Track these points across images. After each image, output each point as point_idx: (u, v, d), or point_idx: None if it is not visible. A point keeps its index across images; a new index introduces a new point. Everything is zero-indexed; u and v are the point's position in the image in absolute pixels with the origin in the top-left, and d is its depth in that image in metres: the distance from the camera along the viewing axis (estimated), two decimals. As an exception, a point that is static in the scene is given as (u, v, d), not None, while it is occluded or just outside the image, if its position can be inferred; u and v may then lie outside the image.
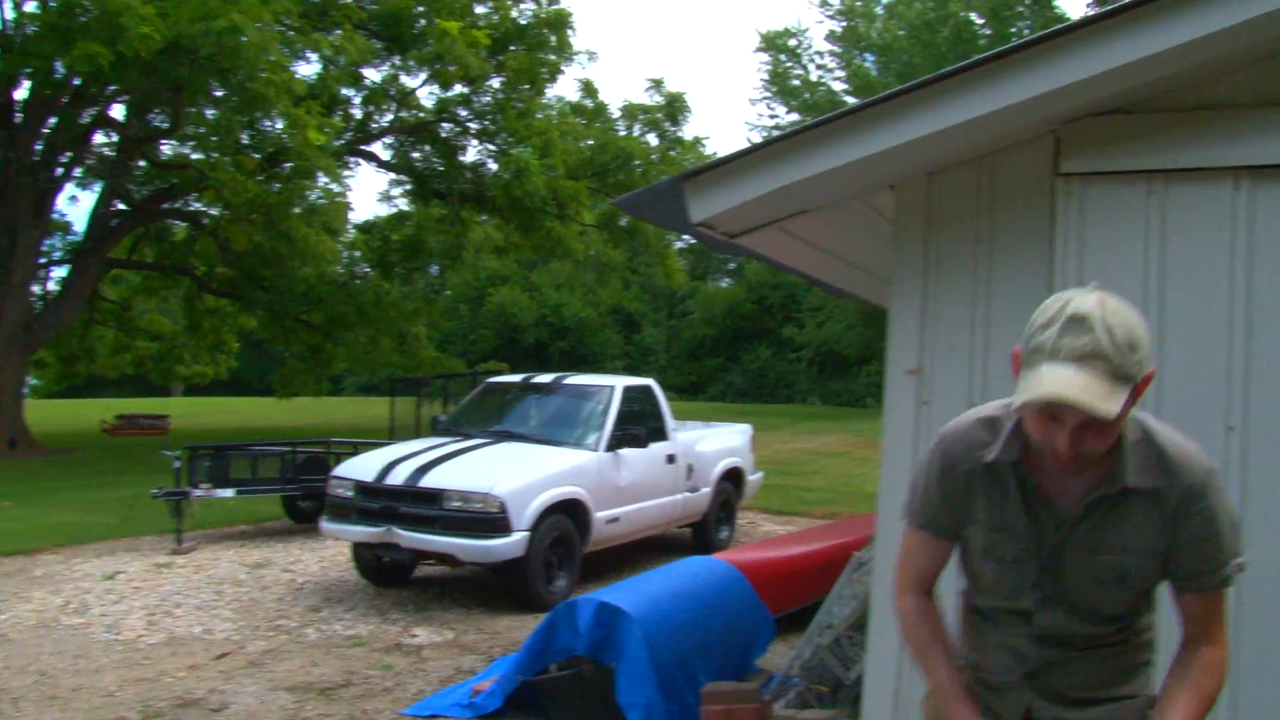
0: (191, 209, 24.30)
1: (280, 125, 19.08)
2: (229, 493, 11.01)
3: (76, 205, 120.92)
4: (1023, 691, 2.13)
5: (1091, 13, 3.42)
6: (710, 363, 50.45)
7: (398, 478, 8.50)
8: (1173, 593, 2.05)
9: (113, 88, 19.50)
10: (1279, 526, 3.42)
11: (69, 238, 25.52)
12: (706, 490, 10.91)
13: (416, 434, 12.13)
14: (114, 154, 23.15)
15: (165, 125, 21.43)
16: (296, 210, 20.46)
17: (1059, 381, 1.75)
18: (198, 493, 10.68)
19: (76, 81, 19.12)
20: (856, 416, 32.15)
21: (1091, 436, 1.83)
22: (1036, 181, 3.81)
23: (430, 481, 8.35)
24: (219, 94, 18.74)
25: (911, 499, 2.22)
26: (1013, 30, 34.83)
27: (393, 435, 17.58)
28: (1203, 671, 1.99)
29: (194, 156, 21.13)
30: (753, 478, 12.17)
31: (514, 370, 11.99)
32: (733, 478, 11.55)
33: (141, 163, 23.02)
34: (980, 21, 36.43)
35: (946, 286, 3.94)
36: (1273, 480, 3.44)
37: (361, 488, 8.64)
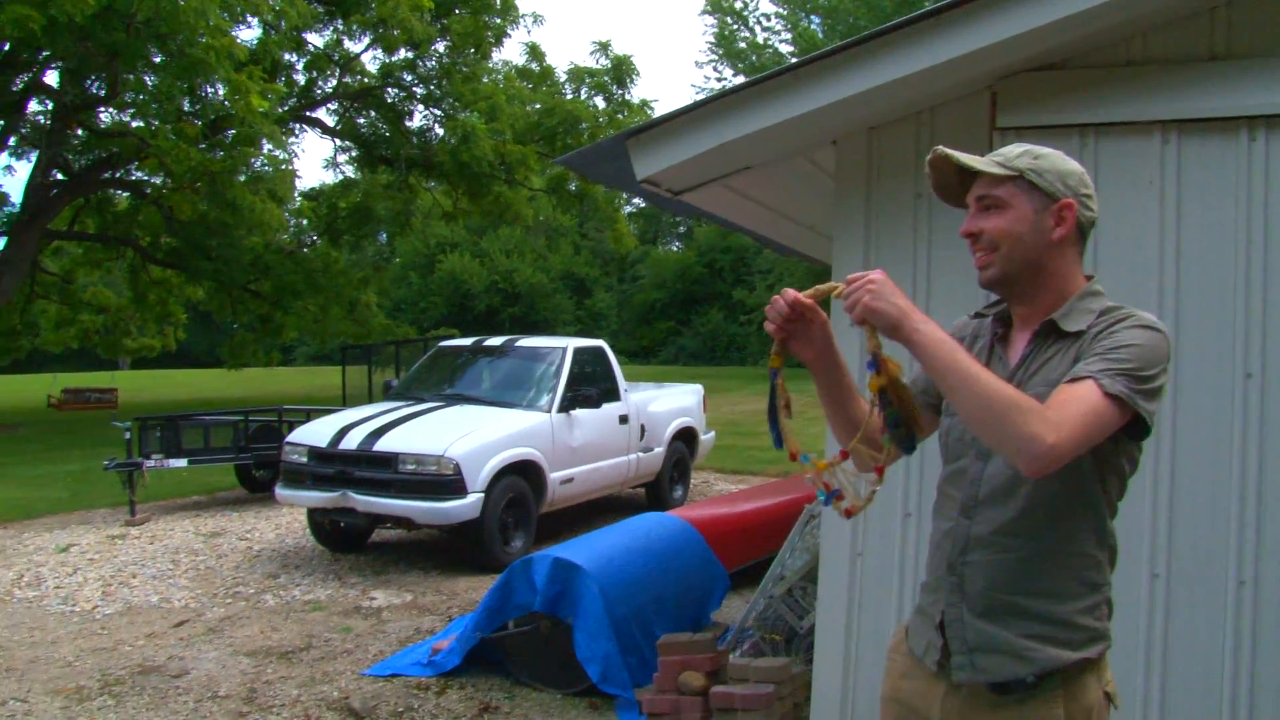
0: (134, 178, 23.77)
1: (222, 91, 18.75)
2: (182, 463, 10.95)
3: (13, 176, 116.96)
4: (942, 588, 2.11)
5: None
6: (661, 326, 50.53)
7: (352, 442, 8.53)
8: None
9: (46, 53, 19.00)
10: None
11: (6, 209, 24.88)
12: (659, 450, 11.03)
13: (369, 402, 12.12)
14: (49, 122, 22.57)
15: (102, 92, 20.96)
16: (241, 178, 20.11)
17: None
18: (150, 464, 10.61)
19: (6, 46, 18.64)
20: (808, 377, 32.22)
21: (987, 217, 2.07)
22: (975, 135, 3.89)
23: (385, 445, 8.38)
24: (158, 60, 18.36)
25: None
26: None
27: (345, 403, 17.53)
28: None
29: (134, 124, 20.67)
30: (705, 437, 12.30)
31: (465, 336, 12.12)
32: (685, 437, 11.67)
33: (79, 131, 22.48)
34: (924, -17, 36.57)
35: (888, 241, 4.03)
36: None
37: (316, 453, 8.65)
